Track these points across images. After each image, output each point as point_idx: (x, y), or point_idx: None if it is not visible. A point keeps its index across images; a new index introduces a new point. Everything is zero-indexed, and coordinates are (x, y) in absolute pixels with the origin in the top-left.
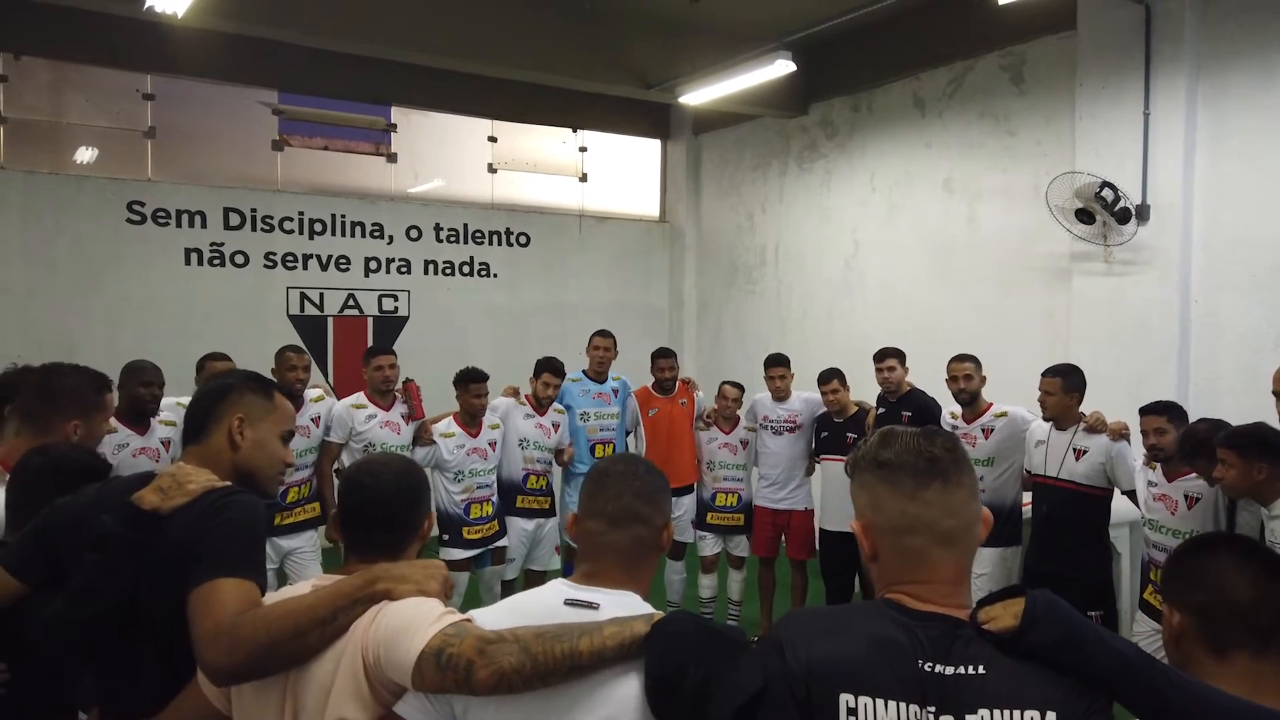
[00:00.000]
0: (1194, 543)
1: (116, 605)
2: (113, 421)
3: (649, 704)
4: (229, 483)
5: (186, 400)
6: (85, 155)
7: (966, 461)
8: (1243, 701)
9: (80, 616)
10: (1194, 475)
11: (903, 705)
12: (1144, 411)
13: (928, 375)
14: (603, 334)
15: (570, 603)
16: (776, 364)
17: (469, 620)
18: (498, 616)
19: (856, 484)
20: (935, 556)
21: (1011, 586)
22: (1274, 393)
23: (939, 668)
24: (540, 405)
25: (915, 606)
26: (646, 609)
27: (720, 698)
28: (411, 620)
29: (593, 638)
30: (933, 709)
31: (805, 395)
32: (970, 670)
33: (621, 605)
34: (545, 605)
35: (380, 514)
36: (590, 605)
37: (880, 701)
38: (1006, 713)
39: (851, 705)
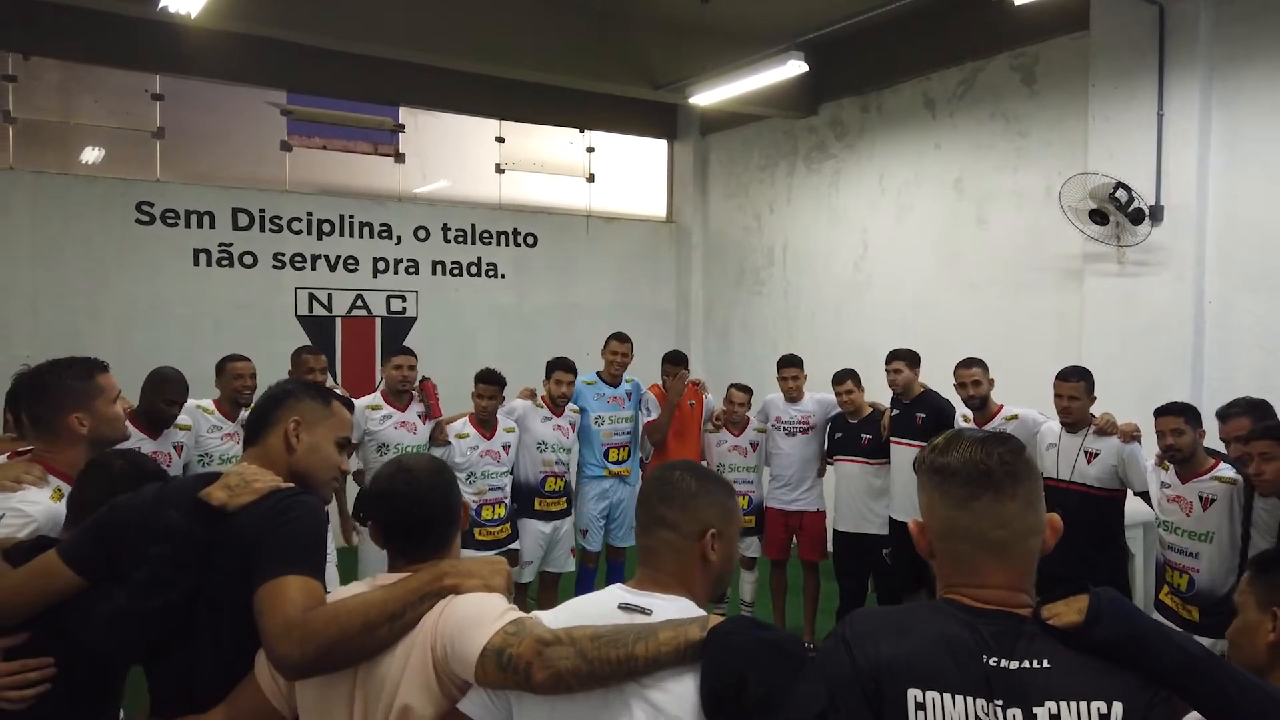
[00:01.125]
0: None
1: (179, 599)
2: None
3: (704, 710)
4: (292, 484)
5: (206, 403)
6: (94, 156)
7: (1026, 472)
8: None
9: (144, 609)
10: (1208, 476)
11: (969, 699)
12: (1160, 412)
13: (938, 377)
14: (620, 338)
15: (624, 607)
16: (789, 365)
17: (532, 617)
18: (557, 617)
19: (918, 484)
20: (984, 564)
21: (1075, 583)
22: None
23: (1004, 663)
24: (556, 405)
25: (975, 605)
26: (699, 614)
27: (784, 715)
28: (478, 615)
29: (648, 643)
30: (999, 702)
31: (819, 396)
32: (1035, 665)
33: (674, 610)
34: (600, 610)
35: (426, 518)
36: (643, 611)
37: (947, 696)
38: (1073, 704)
39: (919, 700)
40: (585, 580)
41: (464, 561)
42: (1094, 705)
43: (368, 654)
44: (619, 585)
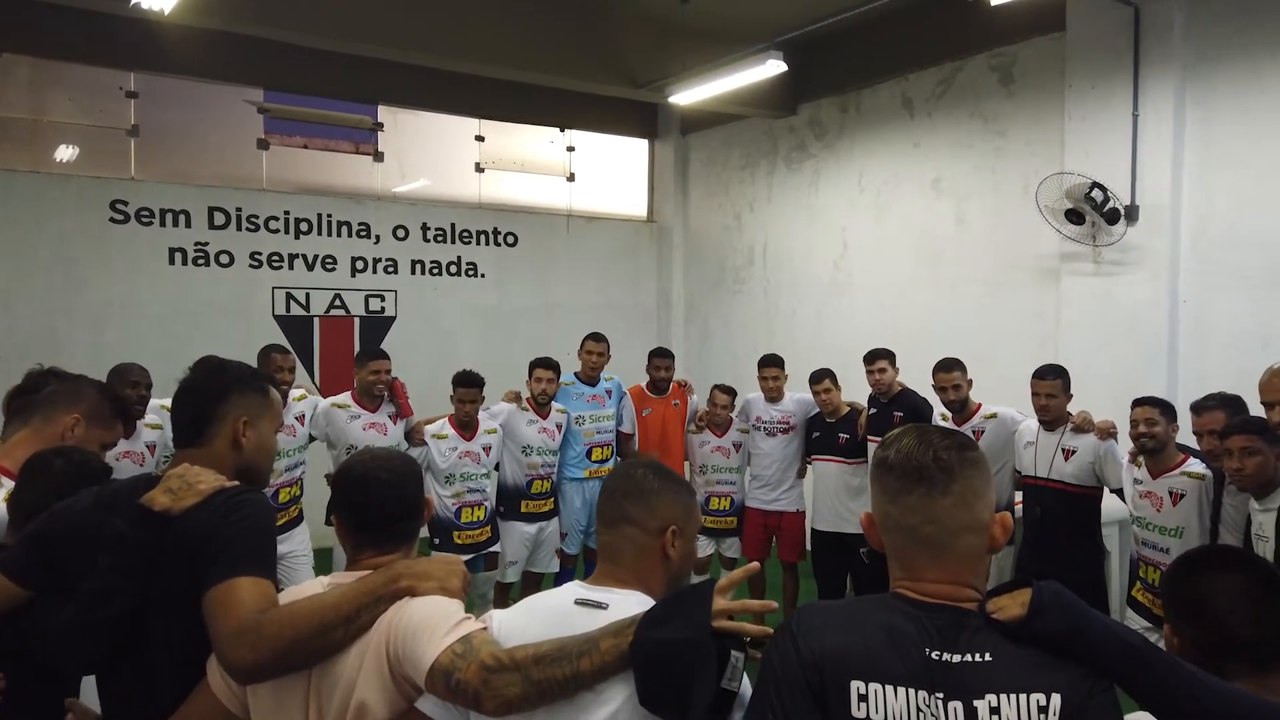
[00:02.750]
0: (1189, 562)
1: (130, 608)
2: None
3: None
4: (237, 482)
5: (169, 402)
6: (67, 154)
7: (964, 469)
8: (1251, 694)
9: (95, 621)
10: (1178, 471)
11: (911, 691)
12: (1136, 403)
13: (917, 376)
14: (596, 338)
15: (580, 602)
16: (770, 364)
17: (484, 628)
18: (513, 617)
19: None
20: (918, 558)
21: (1020, 578)
22: (1263, 403)
23: (946, 656)
24: (540, 406)
25: (920, 599)
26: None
27: (694, 707)
28: (430, 621)
29: (592, 657)
30: (940, 695)
31: (798, 396)
32: (977, 658)
33: (629, 605)
34: (558, 605)
35: (405, 504)
36: (599, 605)
37: (889, 688)
38: (1013, 696)
39: (862, 692)
40: (564, 581)
41: (420, 562)
42: (1033, 697)
43: (322, 656)
44: (576, 582)
